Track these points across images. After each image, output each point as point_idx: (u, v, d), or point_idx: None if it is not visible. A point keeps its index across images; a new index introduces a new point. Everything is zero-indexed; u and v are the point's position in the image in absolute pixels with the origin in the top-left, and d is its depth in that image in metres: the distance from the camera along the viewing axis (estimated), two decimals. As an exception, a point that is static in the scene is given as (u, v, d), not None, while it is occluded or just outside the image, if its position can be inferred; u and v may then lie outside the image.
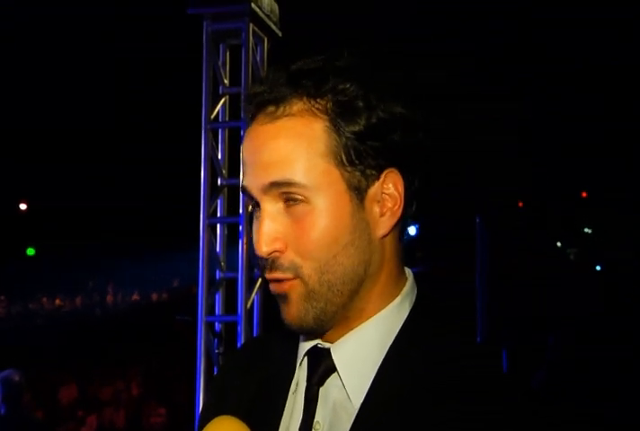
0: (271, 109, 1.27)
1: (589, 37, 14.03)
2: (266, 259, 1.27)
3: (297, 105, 1.26)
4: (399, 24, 12.09)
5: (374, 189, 1.28)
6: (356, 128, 1.25)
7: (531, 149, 16.81)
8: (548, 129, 16.90)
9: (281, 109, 1.26)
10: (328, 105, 1.26)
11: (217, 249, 6.09)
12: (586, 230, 20.50)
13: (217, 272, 6.10)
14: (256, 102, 1.30)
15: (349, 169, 1.26)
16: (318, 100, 1.26)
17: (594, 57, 14.55)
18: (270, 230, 1.26)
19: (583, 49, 14.45)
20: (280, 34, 6.43)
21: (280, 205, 1.27)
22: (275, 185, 1.25)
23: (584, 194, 20.57)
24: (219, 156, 6.15)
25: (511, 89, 14.92)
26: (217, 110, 6.16)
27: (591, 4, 13.04)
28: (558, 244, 19.31)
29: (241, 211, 5.97)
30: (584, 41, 14.22)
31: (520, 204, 19.11)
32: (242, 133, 5.99)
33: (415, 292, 1.38)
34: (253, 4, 5.93)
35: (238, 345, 5.78)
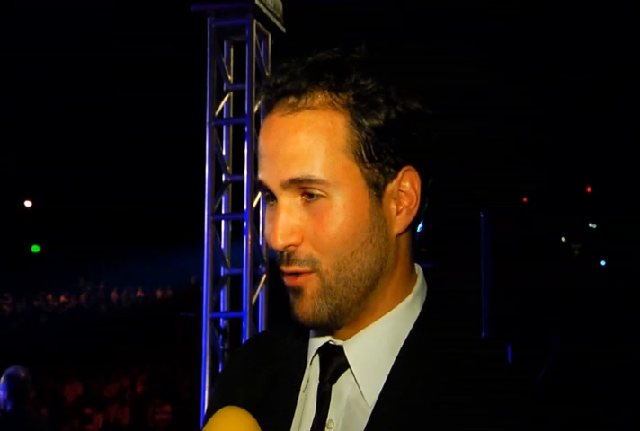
0: (293, 100, 1.25)
1: (594, 32, 14.00)
2: (281, 253, 1.27)
3: (319, 98, 1.25)
4: (402, 21, 12.08)
5: (391, 187, 1.28)
6: (376, 123, 1.24)
7: (536, 144, 16.79)
8: (553, 125, 16.87)
9: (303, 100, 1.25)
10: (349, 99, 1.24)
11: (222, 245, 6.09)
12: (591, 225, 20.45)
13: (222, 268, 6.10)
14: (277, 93, 1.28)
15: (368, 165, 1.25)
16: (340, 94, 1.25)
17: (598, 53, 14.51)
18: (286, 223, 1.25)
19: (587, 45, 14.41)
20: (283, 30, 6.42)
21: (298, 199, 1.26)
22: (295, 181, 1.24)
23: (589, 189, 20.54)
24: (224, 153, 6.15)
25: (516, 85, 14.90)
26: (221, 107, 6.15)
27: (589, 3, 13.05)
28: (563, 239, 19.28)
29: (245, 207, 5.97)
30: (590, 38, 14.19)
31: (525, 199, 19.09)
32: (246, 129, 5.99)
33: (425, 289, 1.37)
34: (256, 1, 5.93)
35: (243, 341, 5.77)
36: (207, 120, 6.07)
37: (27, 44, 15.29)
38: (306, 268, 1.26)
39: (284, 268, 1.27)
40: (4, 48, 14.67)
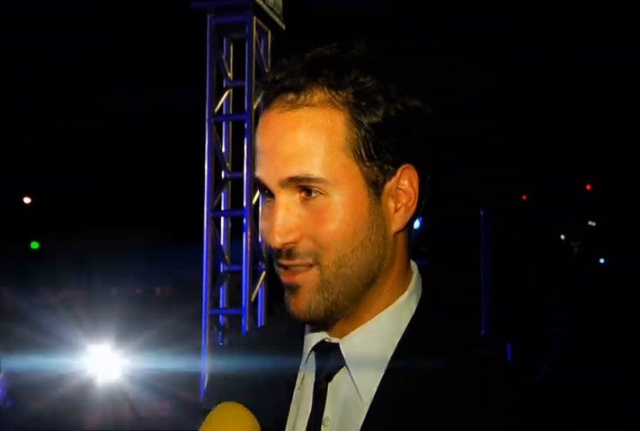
0: (291, 96, 1.25)
1: (594, 32, 14.01)
2: (280, 249, 1.26)
3: (318, 95, 1.24)
4: (402, 21, 12.08)
5: (390, 185, 1.27)
6: (375, 121, 1.24)
7: (535, 142, 16.81)
8: (553, 125, 16.89)
9: (302, 97, 1.24)
10: (349, 97, 1.24)
11: (222, 242, 6.09)
12: (590, 223, 20.48)
13: (222, 265, 6.10)
14: (275, 89, 1.27)
15: (367, 164, 1.24)
16: (339, 91, 1.24)
17: (598, 53, 14.53)
18: (284, 221, 1.24)
19: (587, 45, 14.43)
20: (283, 27, 6.41)
21: (297, 197, 1.25)
22: (293, 179, 1.23)
23: (588, 187, 20.56)
24: (223, 149, 6.15)
25: (516, 85, 14.91)
26: (220, 103, 6.15)
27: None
28: (562, 237, 19.32)
29: (245, 204, 5.97)
30: (590, 37, 14.20)
31: (524, 197, 19.12)
32: (246, 126, 5.99)
33: (421, 285, 1.37)
34: (256, -3, 5.92)
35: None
36: (206, 117, 6.07)
37: (27, 44, 15.29)
38: (309, 260, 1.25)
39: (285, 262, 1.26)
40: (4, 48, 14.66)
